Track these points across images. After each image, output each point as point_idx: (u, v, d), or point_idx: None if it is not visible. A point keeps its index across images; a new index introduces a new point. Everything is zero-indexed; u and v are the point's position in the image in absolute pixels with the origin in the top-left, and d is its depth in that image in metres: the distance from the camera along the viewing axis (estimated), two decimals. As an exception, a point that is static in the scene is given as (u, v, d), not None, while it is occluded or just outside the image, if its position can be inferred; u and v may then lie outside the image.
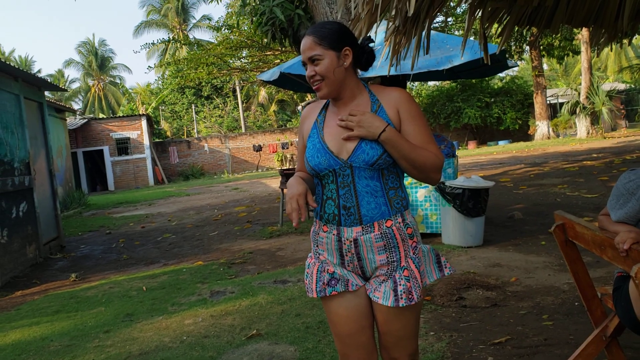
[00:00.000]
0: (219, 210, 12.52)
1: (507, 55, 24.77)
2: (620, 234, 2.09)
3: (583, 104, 25.60)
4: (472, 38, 6.56)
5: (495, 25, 4.06)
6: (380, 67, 5.20)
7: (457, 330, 3.72)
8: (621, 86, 32.00)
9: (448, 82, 30.34)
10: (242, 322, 4.30)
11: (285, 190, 9.02)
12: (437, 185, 6.16)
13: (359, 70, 2.07)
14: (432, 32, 6.31)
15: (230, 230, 9.33)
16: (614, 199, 2.25)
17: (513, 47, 25.52)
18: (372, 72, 5.51)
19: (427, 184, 6.46)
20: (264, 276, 5.74)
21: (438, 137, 6.71)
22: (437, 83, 33.51)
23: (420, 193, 6.53)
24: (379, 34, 5.49)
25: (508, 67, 6.82)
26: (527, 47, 25.91)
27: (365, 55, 2.01)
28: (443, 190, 6.01)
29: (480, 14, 3.75)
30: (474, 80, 29.54)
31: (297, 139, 30.41)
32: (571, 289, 4.25)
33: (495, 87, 31.53)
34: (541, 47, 25.78)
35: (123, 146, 27.88)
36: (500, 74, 33.61)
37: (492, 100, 29.81)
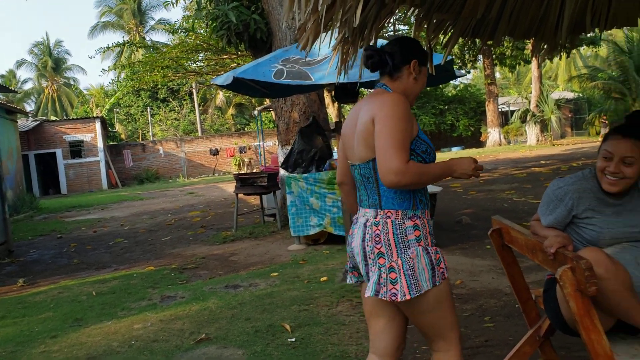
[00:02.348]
0: (172, 215, 12.39)
1: (460, 64, 25.37)
2: (548, 238, 2.21)
3: (533, 112, 26.40)
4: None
5: (442, 36, 4.19)
6: (330, 75, 5.29)
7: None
8: (570, 95, 33.14)
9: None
10: (191, 327, 4.30)
11: (240, 196, 9.01)
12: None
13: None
14: (383, 41, 6.45)
15: (184, 235, 9.26)
16: (544, 205, 2.37)
17: (466, 56, 26.17)
18: (324, 80, 5.59)
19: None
20: (216, 281, 5.74)
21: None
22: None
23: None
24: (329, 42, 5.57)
25: (456, 77, 7.02)
26: (480, 56, 26.59)
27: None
28: (394, 195, 6.14)
29: (426, 25, 3.86)
30: (428, 88, 30.05)
31: (255, 143, 30.35)
32: (513, 292, 4.40)
33: (450, 94, 32.23)
34: (494, 56, 26.50)
35: (76, 149, 27.26)
36: (455, 82, 34.39)
37: (446, 107, 30.46)
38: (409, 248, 2.06)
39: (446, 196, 10.48)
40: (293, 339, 3.81)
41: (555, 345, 2.95)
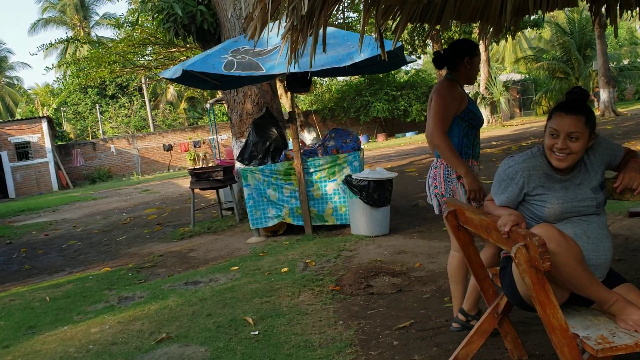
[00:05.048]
0: (127, 214, 12.13)
1: (411, 50, 25.60)
2: (502, 217, 2.25)
3: (483, 95, 26.93)
4: (374, 35, 6.73)
5: (390, 22, 4.20)
6: (280, 65, 5.25)
7: (365, 318, 3.84)
8: (517, 76, 33.93)
9: (357, 77, 30.96)
10: (151, 327, 4.22)
11: (196, 190, 8.89)
12: (345, 178, 6.31)
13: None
14: (333, 29, 6.43)
15: (140, 234, 9.08)
16: (496, 184, 2.41)
17: (416, 42, 26.42)
18: (274, 70, 5.54)
19: (335, 179, 6.60)
20: (175, 278, 5.65)
21: (344, 132, 6.86)
22: (346, 78, 34.07)
23: (329, 186, 6.65)
24: (278, 31, 5.53)
25: (407, 62, 7.08)
26: (430, 42, 26.90)
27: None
28: (350, 182, 6.17)
29: (375, 11, 3.86)
30: (381, 75, 30.32)
31: (209, 136, 29.91)
32: (470, 271, 4.49)
33: (402, 80, 32.51)
34: (442, 41, 26.83)
35: (23, 151, 26.30)
36: (406, 68, 34.71)
37: (399, 93, 30.73)
38: (451, 183, 3.27)
39: (402, 181, 10.60)
40: (256, 332, 3.79)
41: (514, 321, 3.03)
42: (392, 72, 31.11)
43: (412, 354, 3.16)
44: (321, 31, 3.44)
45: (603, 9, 4.37)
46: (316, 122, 30.57)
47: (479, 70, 4.18)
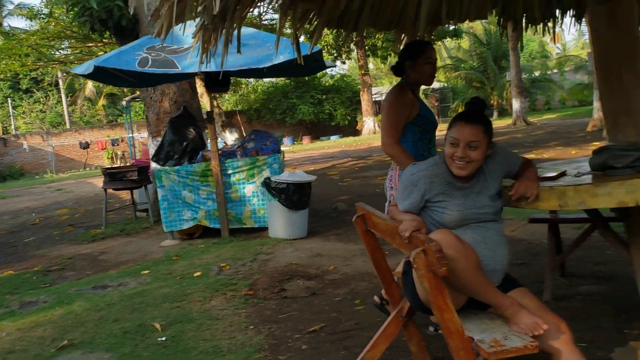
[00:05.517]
0: (38, 214, 11.52)
1: (336, 55, 25.82)
2: (403, 222, 2.29)
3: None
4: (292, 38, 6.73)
5: (308, 26, 4.20)
6: (196, 63, 5.14)
7: (277, 322, 3.82)
8: (436, 85, 35.04)
9: (283, 78, 30.97)
10: (53, 333, 4.01)
11: (110, 191, 8.57)
12: (264, 180, 6.27)
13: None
14: (254, 30, 6.39)
15: (50, 235, 8.64)
16: (400, 190, 2.46)
17: (342, 47, 26.76)
18: (191, 68, 5.41)
19: (254, 181, 6.54)
20: (83, 282, 5.41)
21: (265, 133, 6.83)
22: (272, 80, 34.01)
23: (248, 189, 6.59)
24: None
25: (326, 67, 7.14)
26: (354, 47, 27.31)
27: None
28: (269, 185, 6.13)
29: (291, 15, 3.85)
30: (307, 78, 30.47)
31: (126, 135, 28.93)
32: (377, 275, 4.57)
33: (327, 84, 32.82)
34: (366, 48, 27.33)
35: None
36: (331, 72, 35.07)
37: (324, 97, 31.03)
38: None
39: (323, 183, 10.68)
40: (164, 338, 3.68)
41: (420, 323, 3.09)
42: (318, 75, 31.37)
43: (320, 357, 3.18)
44: (236, 32, 3.40)
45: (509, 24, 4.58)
46: (241, 123, 30.32)
47: (433, 70, 4.25)
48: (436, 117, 3.49)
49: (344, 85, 32.43)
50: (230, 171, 6.57)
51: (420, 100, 3.39)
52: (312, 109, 30.27)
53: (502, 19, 4.54)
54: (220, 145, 9.95)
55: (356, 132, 31.10)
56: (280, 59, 5.55)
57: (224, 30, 3.12)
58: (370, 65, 37.62)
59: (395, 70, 3.42)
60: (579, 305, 3.52)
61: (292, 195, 5.98)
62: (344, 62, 29.79)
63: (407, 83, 3.34)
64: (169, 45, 5.93)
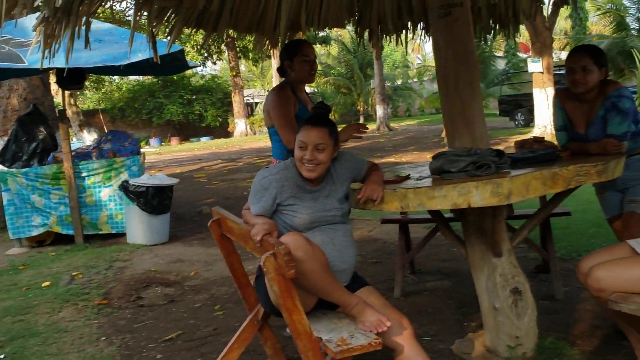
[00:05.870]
0: None
1: (206, 55, 25.32)
2: (255, 226, 2.29)
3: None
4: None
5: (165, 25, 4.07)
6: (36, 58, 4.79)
7: (131, 332, 3.66)
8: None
9: (150, 77, 29.85)
10: None
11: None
12: (121, 184, 5.98)
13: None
14: (111, 26, 6.10)
15: None
16: (252, 194, 2.46)
17: (212, 48, 26.36)
18: (38, 64, 5.02)
19: (111, 184, 6.23)
20: None
21: (123, 134, 6.52)
22: (139, 78, 32.67)
23: (104, 192, 6.26)
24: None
25: (190, 67, 6.99)
26: (225, 48, 27.04)
27: None
28: (127, 188, 5.87)
29: (147, 12, 3.72)
30: (175, 77, 29.64)
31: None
32: (233, 279, 4.55)
33: (197, 84, 32.18)
34: (238, 50, 27.17)
35: None
36: (202, 72, 34.44)
37: (194, 97, 30.37)
38: None
39: (189, 186, 10.45)
40: (2, 356, 3.38)
41: (278, 325, 3.12)
42: (188, 75, 30.66)
43: (175, 366, 3.09)
44: (84, 28, 3.21)
45: (366, 33, 4.79)
46: (104, 122, 28.74)
47: (311, 68, 4.29)
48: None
49: (215, 86, 31.96)
50: (84, 174, 6.19)
51: (301, 102, 3.34)
52: (181, 109, 29.48)
53: (358, 28, 4.73)
54: (79, 145, 9.38)
55: (228, 134, 30.79)
56: (139, 57, 5.34)
57: (68, 25, 2.93)
58: (243, 67, 37.45)
59: (279, 71, 3.42)
60: (426, 300, 3.75)
61: (152, 199, 5.77)
62: (214, 63, 29.37)
63: (288, 83, 3.33)
64: (14, 37, 5.48)
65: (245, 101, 29.91)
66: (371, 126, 26.62)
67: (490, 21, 4.56)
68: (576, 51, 2.91)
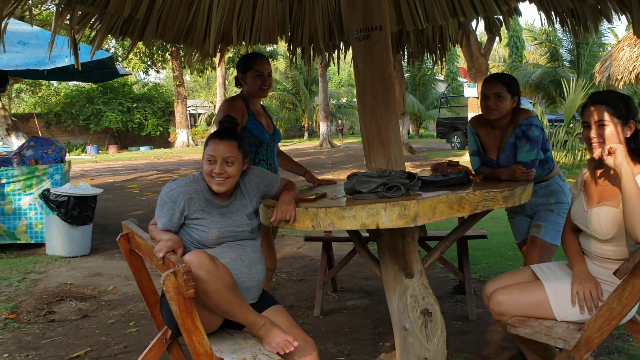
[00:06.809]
0: None
1: (150, 63, 24.79)
2: (160, 242, 2.22)
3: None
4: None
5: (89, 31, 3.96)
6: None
7: (37, 348, 3.48)
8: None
9: (90, 83, 29.03)
10: None
11: None
12: (42, 192, 5.74)
13: None
14: (38, 29, 5.88)
15: None
16: (159, 207, 2.38)
17: (156, 56, 25.93)
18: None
19: (31, 192, 5.97)
20: None
21: (46, 141, 6.27)
22: (78, 83, 31.73)
23: (24, 200, 5.98)
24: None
25: (120, 75, 6.82)
26: (169, 57, 26.65)
27: None
28: (47, 197, 5.63)
29: (69, 17, 3.61)
30: (115, 84, 28.98)
31: None
32: (142, 296, 4.43)
33: (139, 92, 31.52)
34: (182, 59, 26.82)
35: None
36: (144, 80, 33.80)
37: (134, 105, 29.72)
38: None
39: (120, 197, 10.16)
40: None
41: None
42: (129, 82, 30.02)
43: (77, 386, 2.95)
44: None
45: (299, 50, 4.80)
46: (39, 127, 27.67)
47: (263, 83, 4.25)
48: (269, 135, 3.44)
49: (157, 95, 31.39)
50: (3, 180, 5.91)
51: (253, 114, 3.35)
52: (120, 117, 28.76)
53: (291, 46, 4.74)
54: (7, 149, 8.97)
55: (168, 144, 30.25)
56: (66, 62, 5.17)
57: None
58: (188, 77, 37.00)
59: (236, 82, 3.46)
60: (344, 319, 3.75)
61: (73, 209, 5.55)
62: (158, 72, 28.88)
63: (242, 94, 3.39)
64: None
65: (188, 111, 29.51)
66: (315, 142, 26.76)
67: (419, 46, 4.67)
68: (490, 79, 3.00)
